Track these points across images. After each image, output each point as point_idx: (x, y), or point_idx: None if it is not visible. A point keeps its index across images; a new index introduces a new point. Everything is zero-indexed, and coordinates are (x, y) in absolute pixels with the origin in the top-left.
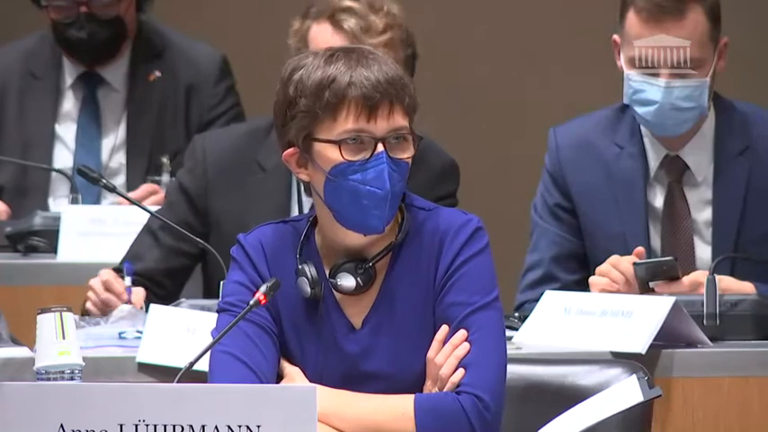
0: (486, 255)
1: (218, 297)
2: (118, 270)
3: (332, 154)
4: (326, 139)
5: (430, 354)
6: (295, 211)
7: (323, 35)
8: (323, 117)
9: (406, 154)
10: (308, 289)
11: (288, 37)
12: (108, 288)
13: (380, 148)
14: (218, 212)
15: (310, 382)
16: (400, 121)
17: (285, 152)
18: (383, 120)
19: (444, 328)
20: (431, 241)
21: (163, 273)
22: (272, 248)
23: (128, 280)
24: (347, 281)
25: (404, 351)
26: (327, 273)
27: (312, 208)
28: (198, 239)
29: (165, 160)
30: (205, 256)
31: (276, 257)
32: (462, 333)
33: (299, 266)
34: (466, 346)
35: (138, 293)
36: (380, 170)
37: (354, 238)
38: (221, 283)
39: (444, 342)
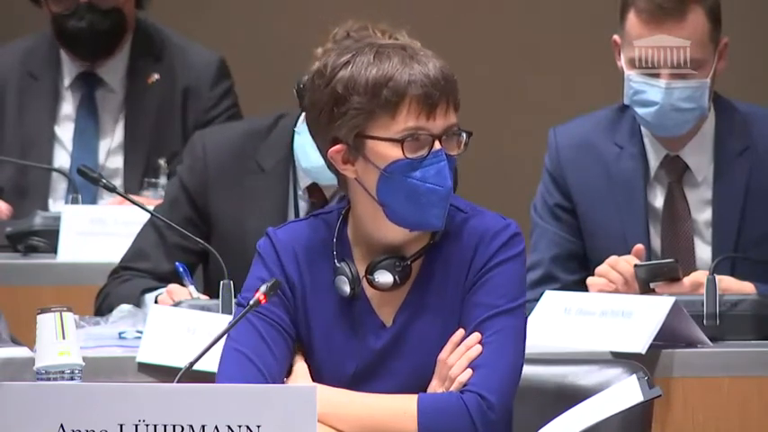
0: (519, 261)
1: (218, 297)
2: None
3: (389, 151)
4: (384, 137)
5: (442, 354)
6: (291, 213)
7: None
8: (380, 115)
9: (457, 150)
10: (348, 288)
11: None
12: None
13: (438, 145)
14: (216, 210)
15: (337, 377)
16: (453, 117)
17: (331, 149)
18: (441, 117)
19: (460, 331)
20: (467, 243)
21: (170, 271)
22: (305, 248)
23: (192, 288)
24: (385, 277)
25: (431, 350)
26: (363, 269)
27: (341, 201)
28: (199, 240)
29: (162, 163)
30: (208, 255)
31: (309, 257)
32: (476, 335)
33: (338, 265)
34: (478, 348)
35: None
36: (441, 167)
37: (397, 235)
38: (222, 283)
39: (459, 344)
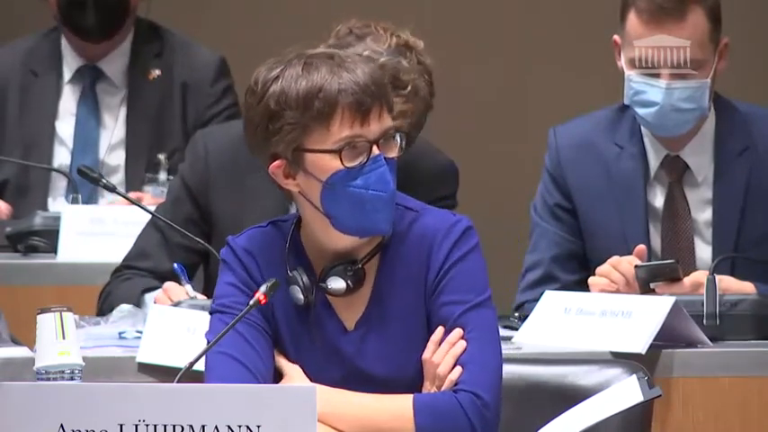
0: (476, 254)
1: None
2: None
3: (328, 163)
4: (321, 149)
5: (426, 354)
6: (292, 211)
7: None
8: (314, 127)
9: (396, 152)
10: (301, 296)
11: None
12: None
13: (376, 150)
14: (217, 209)
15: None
16: (388, 121)
17: (272, 165)
18: (375, 122)
19: (440, 330)
20: (420, 241)
21: (171, 270)
22: (263, 252)
23: (188, 288)
24: (337, 283)
25: (396, 352)
26: (317, 276)
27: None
28: (199, 240)
29: (162, 158)
30: (209, 254)
31: (267, 262)
32: (458, 331)
33: (290, 274)
34: (462, 344)
35: None
36: (381, 173)
37: (346, 241)
38: None
39: (440, 343)
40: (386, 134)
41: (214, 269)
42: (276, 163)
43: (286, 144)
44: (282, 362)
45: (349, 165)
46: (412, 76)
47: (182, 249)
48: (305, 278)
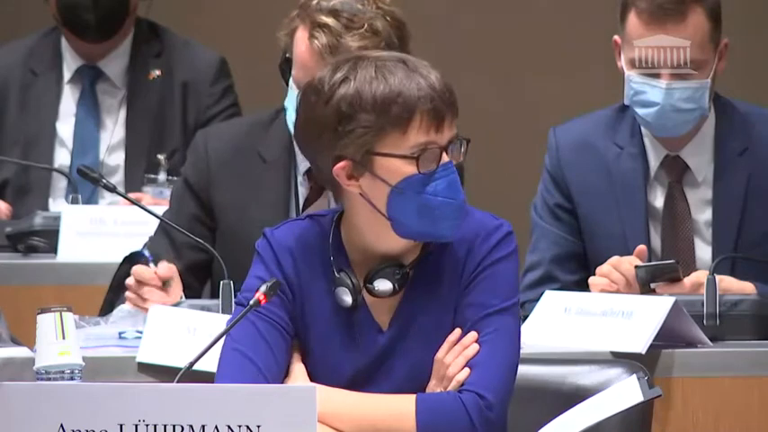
0: (512, 260)
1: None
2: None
3: (400, 167)
4: (396, 154)
5: (439, 354)
6: (292, 202)
7: (300, 43)
8: (389, 131)
9: (459, 158)
10: (349, 299)
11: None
12: (141, 281)
13: (446, 157)
14: (220, 205)
15: (334, 381)
16: (455, 127)
17: (336, 166)
18: (447, 129)
19: (457, 331)
20: (461, 244)
21: (184, 270)
22: (300, 249)
23: (153, 267)
24: (384, 285)
25: (427, 351)
26: (360, 276)
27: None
28: (199, 240)
29: (161, 159)
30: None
31: (303, 258)
32: (473, 334)
33: (338, 276)
34: (475, 347)
35: (176, 288)
36: (452, 180)
37: (396, 245)
38: (221, 283)
39: (455, 344)
40: (453, 140)
41: (218, 268)
42: (341, 164)
43: (357, 147)
44: (293, 360)
45: (424, 171)
46: (367, 16)
47: (189, 249)
48: (354, 279)
